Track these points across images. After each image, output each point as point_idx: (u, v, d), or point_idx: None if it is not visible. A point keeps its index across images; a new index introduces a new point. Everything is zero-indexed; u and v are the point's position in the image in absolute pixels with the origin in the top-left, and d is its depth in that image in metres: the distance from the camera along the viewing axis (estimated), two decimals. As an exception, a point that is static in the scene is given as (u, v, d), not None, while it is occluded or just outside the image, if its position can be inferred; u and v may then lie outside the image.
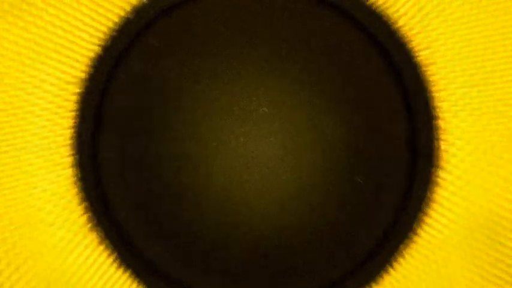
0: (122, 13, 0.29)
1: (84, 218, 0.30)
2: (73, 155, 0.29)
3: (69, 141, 0.29)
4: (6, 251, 0.29)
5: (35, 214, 0.29)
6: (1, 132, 0.29)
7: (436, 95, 0.29)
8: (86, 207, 0.30)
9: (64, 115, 0.29)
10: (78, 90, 0.29)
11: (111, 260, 0.30)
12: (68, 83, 0.29)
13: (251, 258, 0.30)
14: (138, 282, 0.30)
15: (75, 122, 0.29)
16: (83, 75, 0.29)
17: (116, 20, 0.29)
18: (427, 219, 0.30)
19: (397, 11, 0.29)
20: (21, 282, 0.29)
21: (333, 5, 0.29)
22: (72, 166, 0.29)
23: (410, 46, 0.29)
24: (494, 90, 0.29)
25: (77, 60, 0.29)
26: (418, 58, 0.29)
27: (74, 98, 0.29)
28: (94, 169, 0.30)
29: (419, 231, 0.30)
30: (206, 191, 0.30)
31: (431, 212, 0.30)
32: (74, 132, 0.29)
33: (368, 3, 0.29)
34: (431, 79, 0.29)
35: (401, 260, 0.30)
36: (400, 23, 0.29)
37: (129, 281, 0.30)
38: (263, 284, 0.31)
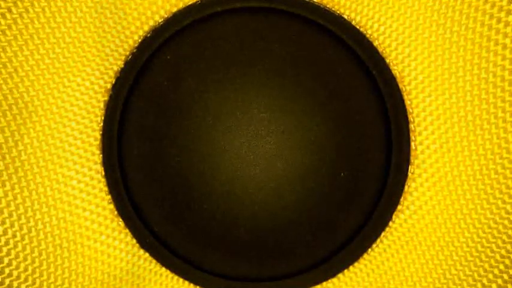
0: (142, 32, 0.33)
1: (111, 206, 0.34)
2: (100, 153, 0.33)
3: (97, 142, 0.33)
4: (50, 231, 0.33)
5: (72, 202, 0.33)
6: (43, 132, 0.32)
7: (408, 102, 0.33)
8: (112, 197, 0.34)
9: (93, 119, 0.33)
10: (104, 98, 0.33)
11: (133, 241, 0.34)
12: (96, 92, 0.33)
13: (252, 237, 0.33)
14: (156, 260, 0.34)
15: (102, 125, 0.33)
16: (108, 85, 0.33)
17: (137, 38, 0.33)
18: (401, 207, 0.33)
19: (377, 30, 0.32)
20: (64, 254, 0.33)
21: (321, 27, 0.32)
22: (100, 163, 0.33)
23: (388, 60, 0.32)
24: (456, 99, 0.32)
25: (103, 73, 0.33)
26: (394, 71, 0.32)
27: (101, 104, 0.33)
28: (118, 165, 0.33)
29: (394, 217, 0.33)
30: (215, 182, 0.33)
31: (404, 201, 0.33)
32: (101, 133, 0.33)
33: (352, 24, 0.32)
34: (405, 89, 0.33)
35: (379, 242, 0.33)
36: (379, 41, 0.33)
37: (145, 256, 0.34)
38: (261, 260, 0.34)
